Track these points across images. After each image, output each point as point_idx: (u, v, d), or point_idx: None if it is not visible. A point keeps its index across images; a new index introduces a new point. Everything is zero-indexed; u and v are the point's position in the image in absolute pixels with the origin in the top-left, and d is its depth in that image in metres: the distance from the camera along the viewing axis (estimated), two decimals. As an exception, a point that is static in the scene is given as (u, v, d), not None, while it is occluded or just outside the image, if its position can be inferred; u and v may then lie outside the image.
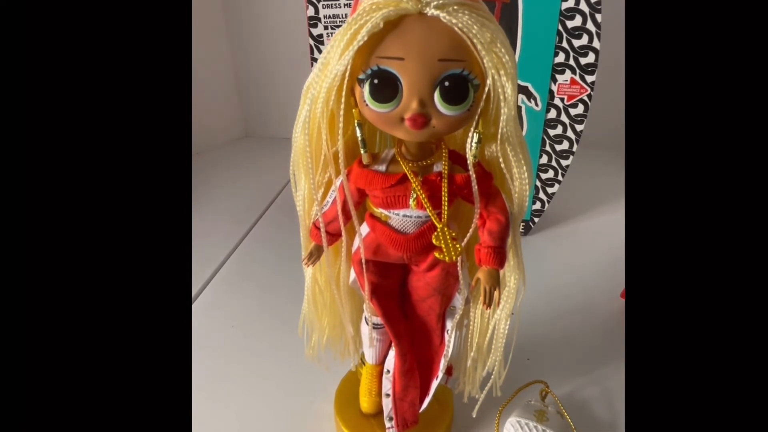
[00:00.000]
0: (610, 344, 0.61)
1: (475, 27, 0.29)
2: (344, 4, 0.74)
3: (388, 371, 0.45)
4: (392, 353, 0.44)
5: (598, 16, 0.68)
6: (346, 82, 0.31)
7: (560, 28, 0.69)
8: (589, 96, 0.73)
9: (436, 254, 0.36)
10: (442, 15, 0.28)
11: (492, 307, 0.37)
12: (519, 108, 0.75)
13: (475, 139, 0.33)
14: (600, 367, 0.58)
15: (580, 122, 0.76)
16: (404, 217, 0.37)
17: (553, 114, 0.76)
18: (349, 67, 0.30)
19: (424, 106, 0.31)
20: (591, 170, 1.06)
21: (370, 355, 0.47)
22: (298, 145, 0.35)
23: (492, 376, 0.44)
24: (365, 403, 0.48)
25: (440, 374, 0.43)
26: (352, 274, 0.42)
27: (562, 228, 0.90)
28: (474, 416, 0.45)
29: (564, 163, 0.80)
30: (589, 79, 0.72)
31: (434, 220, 0.35)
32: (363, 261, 0.39)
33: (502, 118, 0.32)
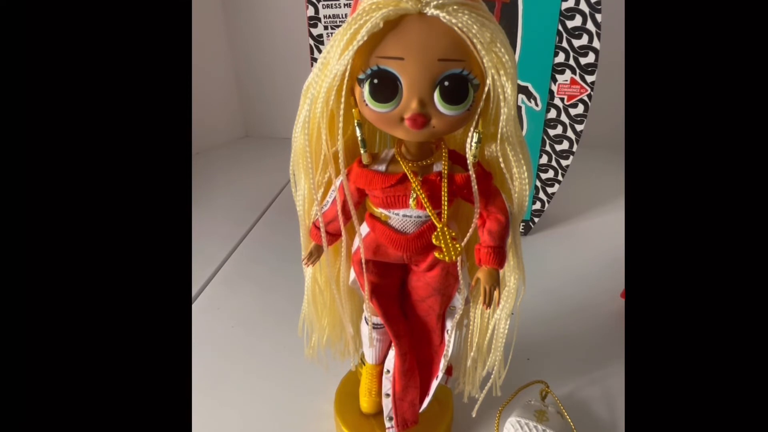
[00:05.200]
0: (610, 344, 0.61)
1: (474, 27, 0.29)
2: (344, 4, 0.74)
3: (388, 371, 0.45)
4: (392, 353, 0.44)
5: (598, 16, 0.68)
6: (345, 81, 0.31)
7: (560, 28, 0.69)
8: (589, 96, 0.73)
9: (436, 254, 0.36)
10: (441, 15, 0.28)
11: (492, 307, 0.37)
12: (519, 108, 0.75)
13: (475, 139, 0.33)
14: (600, 367, 0.58)
15: (580, 122, 0.76)
16: (404, 217, 0.37)
17: (553, 114, 0.76)
18: (348, 66, 0.30)
19: (424, 105, 0.31)
20: (591, 170, 1.06)
21: (370, 355, 0.47)
22: (297, 145, 0.35)
23: (492, 376, 0.44)
24: (365, 403, 0.48)
25: (440, 374, 0.43)
26: (352, 274, 0.42)
27: (562, 228, 0.90)
28: (474, 416, 0.45)
29: (564, 163, 0.80)
30: (589, 79, 0.72)
31: (434, 220, 0.35)
32: (363, 261, 0.39)
33: (501, 117, 0.32)
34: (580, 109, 0.74)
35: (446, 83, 0.30)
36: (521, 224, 0.50)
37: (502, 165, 0.36)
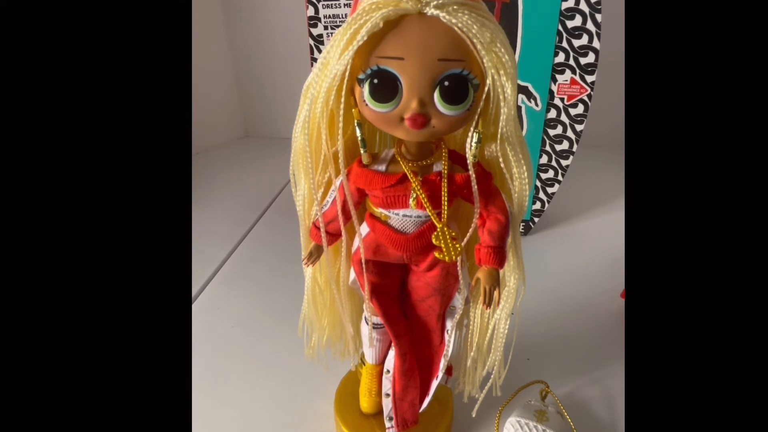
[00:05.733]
0: (610, 344, 0.61)
1: (474, 27, 0.29)
2: (344, 4, 0.74)
3: (388, 371, 0.45)
4: (392, 353, 0.44)
5: (598, 16, 0.68)
6: (345, 81, 0.31)
7: (560, 28, 0.69)
8: (589, 96, 0.73)
9: (436, 254, 0.36)
10: (441, 15, 0.28)
11: (492, 307, 0.37)
12: (519, 108, 0.75)
13: (475, 139, 0.33)
14: (600, 367, 0.58)
15: (580, 122, 0.76)
16: (404, 217, 0.37)
17: (553, 114, 0.76)
18: (348, 66, 0.30)
19: (424, 105, 0.31)
20: (591, 170, 1.06)
21: (370, 355, 0.47)
22: (297, 145, 0.35)
23: (492, 376, 0.44)
24: (365, 403, 0.48)
25: (440, 374, 0.43)
26: (352, 274, 0.42)
27: (562, 228, 0.90)
28: (474, 416, 0.45)
29: (564, 163, 0.80)
30: (589, 79, 0.72)
31: (434, 220, 0.35)
32: (363, 261, 0.39)
33: (501, 117, 0.32)
34: (580, 109, 0.74)
35: (446, 83, 0.30)
36: (521, 224, 0.50)
37: (502, 165, 0.36)
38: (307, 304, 0.44)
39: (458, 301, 0.42)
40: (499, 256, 0.36)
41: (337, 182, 0.36)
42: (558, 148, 0.78)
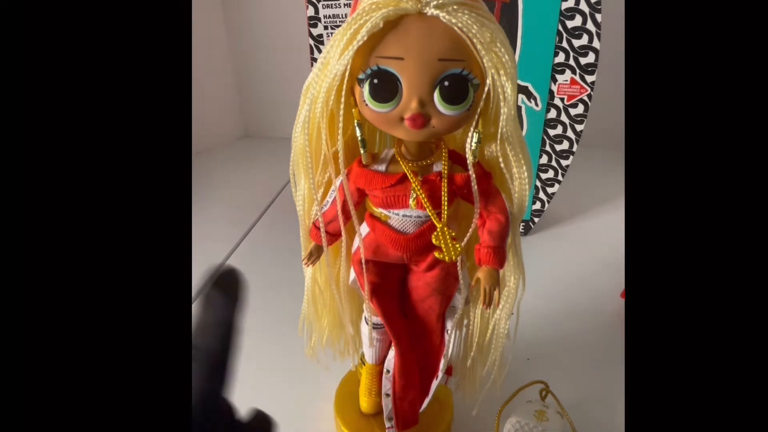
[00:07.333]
0: (610, 344, 0.61)
1: (474, 27, 0.29)
2: (344, 4, 0.74)
3: (388, 371, 0.45)
4: (392, 353, 0.44)
5: (598, 16, 0.68)
6: (345, 81, 0.31)
7: (560, 28, 0.69)
8: (589, 96, 0.73)
9: (436, 254, 0.36)
10: (441, 15, 0.28)
11: (492, 307, 0.37)
12: (519, 108, 0.75)
13: (475, 139, 0.33)
14: (600, 367, 0.58)
15: (580, 122, 0.76)
16: (404, 217, 0.37)
17: (553, 114, 0.76)
18: (348, 66, 0.30)
19: (424, 105, 0.31)
20: (591, 170, 1.06)
21: (370, 355, 0.47)
22: (297, 145, 0.35)
23: (492, 376, 0.44)
24: (365, 403, 0.48)
25: (440, 374, 0.43)
26: (352, 274, 0.42)
27: (562, 228, 0.90)
28: (474, 416, 0.45)
29: (564, 163, 0.80)
30: (589, 79, 0.72)
31: (434, 220, 0.35)
32: (363, 261, 0.39)
33: (501, 117, 0.32)
34: (580, 109, 0.74)
35: (446, 83, 0.30)
36: (521, 224, 0.50)
37: (502, 165, 0.36)
38: (307, 304, 0.45)
39: (458, 301, 0.42)
40: (499, 256, 0.36)
41: (337, 182, 0.36)
42: (558, 148, 0.78)
